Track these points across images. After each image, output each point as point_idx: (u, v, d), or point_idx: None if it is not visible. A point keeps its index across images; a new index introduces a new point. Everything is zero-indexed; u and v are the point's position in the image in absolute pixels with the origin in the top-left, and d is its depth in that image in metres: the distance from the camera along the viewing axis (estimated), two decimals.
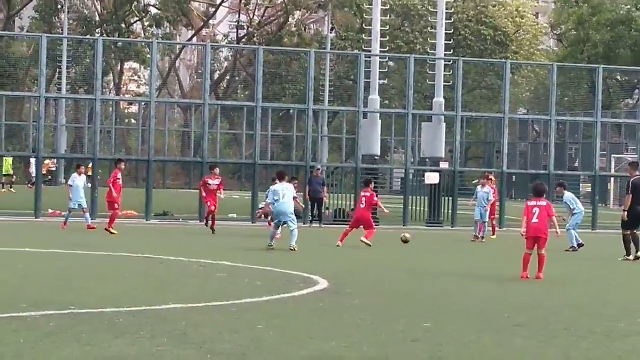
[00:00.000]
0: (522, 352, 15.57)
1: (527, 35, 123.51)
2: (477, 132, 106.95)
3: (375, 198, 39.04)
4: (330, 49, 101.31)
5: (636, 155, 63.75)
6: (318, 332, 16.88)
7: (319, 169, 57.52)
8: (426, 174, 55.73)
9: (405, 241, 39.82)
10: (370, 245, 36.77)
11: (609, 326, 18.77)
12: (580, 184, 70.70)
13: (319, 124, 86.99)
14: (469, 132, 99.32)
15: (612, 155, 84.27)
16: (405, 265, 32.24)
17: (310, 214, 51.99)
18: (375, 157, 58.79)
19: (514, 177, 75.66)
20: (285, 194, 35.36)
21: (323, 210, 51.03)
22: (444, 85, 58.30)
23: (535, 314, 20.32)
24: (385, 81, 67.91)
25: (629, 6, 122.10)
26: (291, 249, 34.24)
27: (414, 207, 55.26)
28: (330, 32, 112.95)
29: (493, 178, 48.42)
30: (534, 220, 26.48)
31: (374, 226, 39.12)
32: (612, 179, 79.03)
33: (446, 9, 60.94)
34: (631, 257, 34.40)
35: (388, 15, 75.04)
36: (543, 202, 26.74)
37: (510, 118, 61.51)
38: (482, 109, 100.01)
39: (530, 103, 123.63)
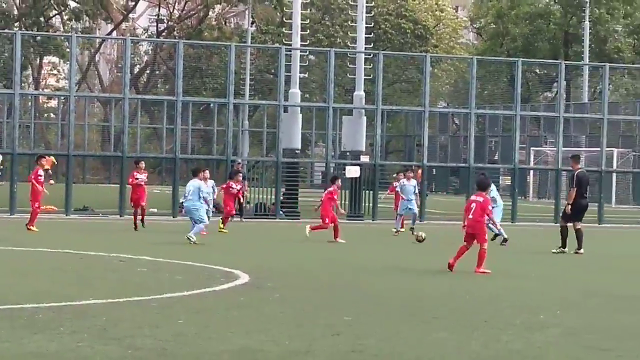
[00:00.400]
0: (443, 345, 15.63)
1: (447, 29, 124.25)
2: (398, 126, 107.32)
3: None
4: (251, 42, 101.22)
5: (555, 148, 64.13)
6: (239, 326, 16.85)
7: (239, 162, 57.62)
8: (347, 167, 55.60)
9: (422, 240, 38.44)
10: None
11: (529, 318, 18.90)
12: (500, 177, 71.16)
13: (239, 118, 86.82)
14: (390, 126, 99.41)
15: (532, 148, 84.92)
16: (326, 259, 32.32)
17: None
18: (296, 151, 58.64)
19: (434, 170, 75.92)
20: (190, 191, 35.67)
21: (244, 205, 50.92)
22: (364, 79, 58.30)
23: (456, 306, 20.43)
24: (306, 75, 67.79)
25: (547, 0, 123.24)
26: (187, 240, 34.10)
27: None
28: (251, 26, 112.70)
29: (419, 172, 48.64)
30: (470, 216, 26.54)
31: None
32: (531, 171, 79.61)
33: (366, 3, 60.96)
34: (566, 249, 34.64)
35: (309, 9, 75.07)
36: (480, 199, 26.66)
37: (430, 111, 61.55)
38: (403, 102, 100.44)
39: (450, 96, 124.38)
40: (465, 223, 26.88)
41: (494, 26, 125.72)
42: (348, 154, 58.29)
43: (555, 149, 64.25)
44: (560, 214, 36.74)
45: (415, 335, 16.44)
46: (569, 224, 35.12)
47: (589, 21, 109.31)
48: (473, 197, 27.19)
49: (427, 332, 16.83)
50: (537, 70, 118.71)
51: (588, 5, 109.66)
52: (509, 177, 65.30)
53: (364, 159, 56.91)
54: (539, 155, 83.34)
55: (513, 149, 61.58)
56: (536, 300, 22.02)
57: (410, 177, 45.21)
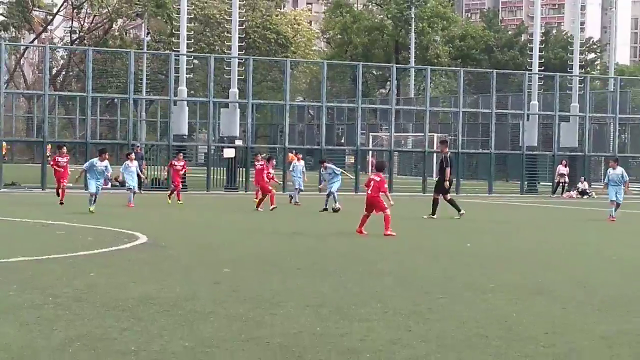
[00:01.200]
0: (302, 289, 15.73)
1: (303, 39, 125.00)
2: (265, 116, 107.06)
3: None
4: (147, 50, 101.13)
5: (388, 134, 64.63)
6: (140, 278, 16.80)
7: (138, 146, 57.61)
8: (224, 149, 55.98)
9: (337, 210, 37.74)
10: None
11: (369, 268, 19.02)
12: (346, 157, 71.67)
13: (138, 110, 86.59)
14: (258, 116, 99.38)
15: (370, 134, 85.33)
16: (210, 223, 32.25)
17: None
18: (184, 137, 58.85)
19: (293, 151, 75.85)
20: (86, 165, 36.02)
21: (143, 180, 50.52)
22: (237, 78, 58.30)
23: (313, 259, 20.49)
24: (192, 76, 67.41)
25: (381, 16, 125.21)
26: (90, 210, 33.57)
27: (215, 176, 55.24)
28: (147, 36, 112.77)
29: (299, 155, 48.37)
30: (369, 191, 26.58)
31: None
32: (370, 152, 79.96)
33: (239, 17, 60.99)
34: (435, 216, 34.64)
35: (193, 23, 74.87)
36: (377, 178, 26.63)
37: (290, 105, 61.63)
38: (268, 97, 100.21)
39: (306, 92, 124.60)
40: (366, 196, 26.96)
41: (340, 37, 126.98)
42: (225, 138, 58.20)
43: (388, 134, 64.77)
44: (434, 188, 36.32)
45: (280, 282, 16.44)
46: (440, 196, 35.23)
47: (414, 33, 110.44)
48: (372, 176, 27.17)
49: (290, 279, 16.84)
50: (374, 72, 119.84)
51: (413, 20, 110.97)
52: (353, 157, 65.46)
53: (238, 142, 57.02)
54: (376, 139, 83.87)
55: (356, 134, 61.91)
56: (377, 254, 22.15)
57: (300, 158, 45.68)
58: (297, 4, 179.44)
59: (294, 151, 51.77)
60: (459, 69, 75.86)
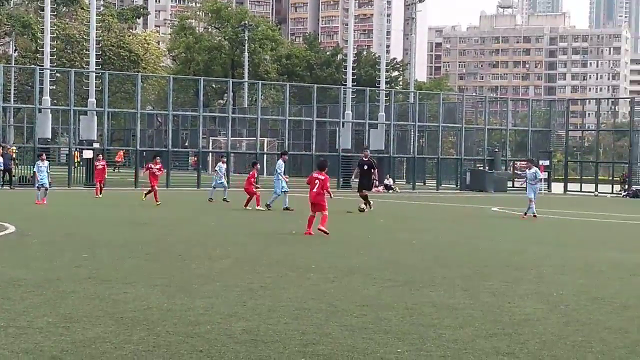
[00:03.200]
0: (151, 271, 15.58)
1: (152, 57, 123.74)
2: (119, 122, 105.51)
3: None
4: (15, 64, 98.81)
5: (226, 138, 64.64)
6: (9, 263, 16.40)
7: (9, 147, 56.49)
8: (84, 151, 55.29)
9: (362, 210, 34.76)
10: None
11: (211, 252, 18.92)
12: (190, 157, 71.68)
13: (7, 116, 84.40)
14: (114, 122, 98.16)
15: (210, 138, 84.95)
16: (72, 215, 31.57)
17: (1, 180, 50.39)
18: (48, 140, 57.71)
19: (144, 153, 74.87)
20: None
21: (13, 177, 49.43)
22: (95, 90, 57.74)
23: (162, 247, 20.26)
24: (55, 87, 66.14)
25: (220, 38, 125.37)
26: None
27: (75, 175, 54.50)
28: (14, 52, 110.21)
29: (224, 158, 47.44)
30: (314, 190, 24.21)
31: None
32: (210, 154, 79.35)
33: (95, 37, 60.54)
34: (372, 208, 35.21)
35: (55, 41, 73.58)
36: (321, 177, 24.31)
37: (141, 112, 61.10)
38: (122, 106, 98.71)
39: (155, 102, 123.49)
40: (309, 195, 24.67)
41: (184, 55, 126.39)
42: (84, 142, 57.27)
43: (226, 138, 64.63)
44: (358, 187, 37.40)
45: (133, 266, 16.28)
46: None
47: (248, 52, 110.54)
48: (315, 175, 24.63)
49: (141, 264, 16.72)
50: (214, 85, 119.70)
51: (247, 42, 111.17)
52: (195, 157, 65.48)
53: (96, 145, 56.36)
54: (215, 143, 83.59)
55: (198, 138, 61.77)
56: (218, 241, 22.08)
57: (224, 161, 44.67)
58: (147, 26, 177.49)
59: (223, 157, 49.67)
60: (285, 83, 76.22)
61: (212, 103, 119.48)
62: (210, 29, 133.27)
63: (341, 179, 60.69)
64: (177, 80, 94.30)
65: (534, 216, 33.18)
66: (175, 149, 65.12)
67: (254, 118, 67.69)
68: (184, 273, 15.58)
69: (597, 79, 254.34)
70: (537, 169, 36.26)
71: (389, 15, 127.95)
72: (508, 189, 65.94)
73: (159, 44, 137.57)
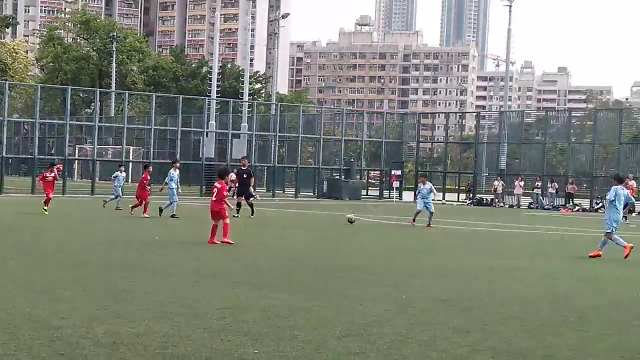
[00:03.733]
0: (14, 275, 15.14)
1: (21, 65, 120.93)
2: None
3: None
4: None
5: (92, 146, 63.54)
6: None
7: None
8: None
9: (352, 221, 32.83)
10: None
11: (74, 259, 18.53)
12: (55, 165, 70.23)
13: None
14: None
15: (77, 145, 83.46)
16: None
17: None
18: None
19: (10, 160, 72.86)
20: None
21: None
22: None
23: (28, 251, 19.75)
24: None
25: (88, 48, 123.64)
26: None
27: None
28: None
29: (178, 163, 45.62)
30: (213, 198, 23.11)
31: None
32: (76, 162, 77.90)
33: None
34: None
35: None
36: (219, 185, 23.17)
37: (8, 120, 59.34)
38: None
39: (22, 110, 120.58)
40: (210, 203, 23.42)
41: (52, 64, 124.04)
42: None
43: (92, 146, 63.44)
44: (237, 193, 38.20)
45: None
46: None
47: (115, 63, 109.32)
48: (216, 184, 23.47)
49: (6, 268, 16.25)
50: (81, 95, 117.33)
51: (115, 53, 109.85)
52: (61, 164, 64.03)
53: None
54: (81, 150, 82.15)
55: (65, 146, 60.59)
56: (83, 247, 21.67)
57: (178, 167, 41.23)
58: (16, 36, 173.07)
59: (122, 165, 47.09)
60: (151, 94, 75.53)
61: (80, 112, 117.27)
62: (78, 40, 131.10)
63: (204, 187, 60.37)
64: (45, 89, 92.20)
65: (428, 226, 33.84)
66: (41, 156, 63.49)
67: (120, 127, 66.84)
68: (47, 277, 15.24)
69: (446, 94, 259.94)
70: (431, 185, 36.84)
71: (252, 30, 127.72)
72: (362, 196, 66.81)
73: (27, 53, 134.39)
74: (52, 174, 35.95)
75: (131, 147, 73.33)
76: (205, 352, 9.48)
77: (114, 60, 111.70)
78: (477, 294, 15.04)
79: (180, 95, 69.85)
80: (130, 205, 35.10)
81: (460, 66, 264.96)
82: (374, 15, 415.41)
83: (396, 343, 10.32)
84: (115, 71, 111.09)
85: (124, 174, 41.03)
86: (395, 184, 68.12)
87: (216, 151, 65.30)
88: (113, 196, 40.02)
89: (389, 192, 70.09)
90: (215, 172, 25.29)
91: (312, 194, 68.12)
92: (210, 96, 70.09)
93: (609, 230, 22.29)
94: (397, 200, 66.69)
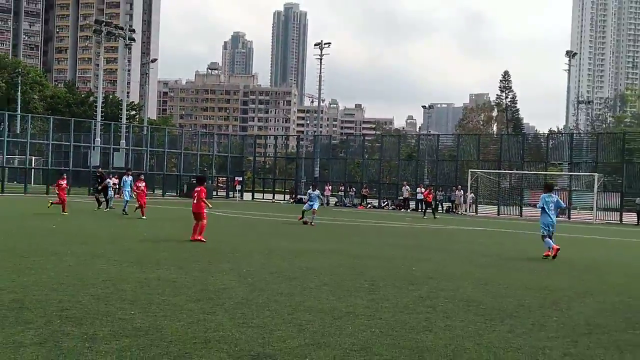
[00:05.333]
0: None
1: None
2: None
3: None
4: None
5: (2, 157, 60.33)
6: None
7: None
8: None
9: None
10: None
11: (56, 250, 17.60)
12: None
13: None
14: None
15: None
16: None
17: None
18: None
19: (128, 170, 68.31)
20: None
21: None
22: None
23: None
24: None
25: None
26: None
27: None
28: None
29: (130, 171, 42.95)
30: (194, 201, 20.80)
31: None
32: None
33: None
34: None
35: None
36: (198, 188, 20.83)
37: None
38: None
39: None
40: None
41: None
42: None
43: (2, 156, 60.23)
44: (94, 191, 37.86)
45: None
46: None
47: (20, 92, 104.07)
48: (196, 188, 20.97)
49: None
50: None
51: (20, 84, 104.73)
52: None
53: None
54: None
55: None
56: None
57: (130, 174, 36.71)
58: None
59: (129, 169, 42.52)
60: (50, 116, 72.47)
61: None
62: None
63: (91, 188, 58.49)
64: None
65: (311, 224, 31.39)
66: None
67: (24, 142, 64.07)
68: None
69: (275, 122, 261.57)
70: (319, 191, 35.12)
71: (129, 70, 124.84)
72: (214, 197, 66.42)
73: None
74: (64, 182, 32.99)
75: (33, 157, 70.12)
76: (93, 314, 9.22)
77: (19, 90, 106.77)
78: (297, 268, 15.13)
79: (73, 118, 67.84)
80: (51, 201, 33.21)
81: (285, 101, 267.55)
82: (221, 61, 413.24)
83: (238, 304, 10.30)
84: (20, 98, 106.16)
85: (130, 177, 36.02)
86: (238, 187, 68.72)
87: (100, 161, 63.55)
88: (125, 200, 34.88)
89: (233, 193, 70.29)
90: (198, 179, 21.63)
91: (175, 194, 67.22)
92: (96, 119, 68.60)
93: (541, 233, 19.72)
94: (239, 199, 66.90)
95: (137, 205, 32.53)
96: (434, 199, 49.27)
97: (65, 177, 34.63)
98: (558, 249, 19.08)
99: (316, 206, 32.94)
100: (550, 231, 19.45)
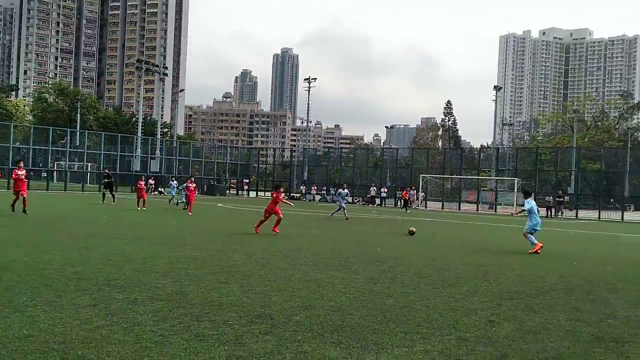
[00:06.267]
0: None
1: (20, 114, 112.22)
2: None
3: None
4: None
5: (64, 162, 59.74)
6: None
7: None
8: None
9: (412, 233, 20.96)
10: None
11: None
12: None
13: None
14: None
15: (56, 162, 77.87)
16: None
17: None
18: None
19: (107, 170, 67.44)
20: None
21: None
22: None
23: None
24: None
25: (62, 105, 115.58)
26: None
27: None
28: None
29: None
30: (271, 203, 19.02)
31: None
32: (55, 171, 72.99)
33: None
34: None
35: None
36: (274, 194, 18.91)
37: (13, 146, 54.86)
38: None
39: (21, 141, 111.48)
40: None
41: (41, 114, 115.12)
42: None
43: (65, 162, 59.62)
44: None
45: None
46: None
47: (80, 114, 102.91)
48: (273, 192, 19.18)
49: None
50: (59, 132, 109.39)
51: (79, 108, 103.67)
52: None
53: None
54: (58, 165, 76.54)
55: (48, 161, 56.49)
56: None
57: (174, 179, 35.64)
58: (17, 95, 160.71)
59: (173, 176, 40.78)
60: (102, 132, 71.82)
61: (58, 142, 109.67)
62: (57, 99, 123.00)
63: (132, 186, 58.12)
64: (37, 129, 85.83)
65: (346, 218, 29.25)
66: (33, 168, 59.18)
67: (82, 151, 63.75)
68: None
69: (274, 137, 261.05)
70: (348, 190, 32.60)
71: (163, 97, 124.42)
72: (227, 193, 66.28)
73: (24, 107, 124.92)
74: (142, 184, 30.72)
75: (89, 164, 69.59)
76: (134, 283, 9.12)
77: (79, 112, 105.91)
78: (296, 248, 14.99)
79: (119, 134, 67.43)
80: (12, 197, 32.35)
81: (281, 122, 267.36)
82: (233, 91, 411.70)
83: (248, 276, 10.24)
84: (79, 119, 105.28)
85: (175, 182, 35.09)
86: (245, 187, 68.82)
87: (141, 166, 63.33)
88: (178, 197, 34.03)
89: (242, 192, 70.08)
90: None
91: (198, 192, 66.79)
92: (137, 135, 68.21)
93: (528, 231, 16.77)
94: (246, 196, 66.63)
95: (185, 202, 30.19)
96: (410, 198, 48.67)
97: (143, 178, 33.17)
98: (542, 246, 16.47)
99: (343, 204, 30.43)
100: (537, 230, 16.85)
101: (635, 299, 9.70)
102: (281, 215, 19.18)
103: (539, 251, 16.18)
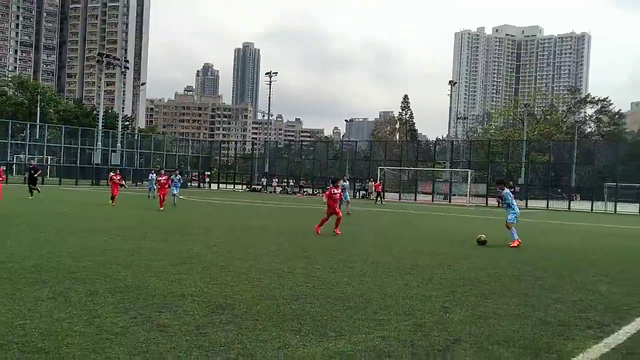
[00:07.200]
0: None
1: None
2: None
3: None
4: None
5: (24, 156, 58.07)
6: None
7: None
8: None
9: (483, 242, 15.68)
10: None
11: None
12: None
13: None
14: None
15: (15, 155, 75.56)
16: None
17: None
18: None
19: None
20: None
21: None
22: None
23: None
24: None
25: (22, 98, 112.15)
26: None
27: None
28: None
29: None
30: (327, 198, 17.26)
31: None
32: (14, 165, 70.88)
33: None
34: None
35: None
36: (334, 190, 17.23)
37: None
38: None
39: None
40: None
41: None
42: None
43: (24, 155, 58.03)
44: None
45: None
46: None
47: (40, 107, 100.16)
48: (331, 187, 17.55)
49: None
50: (19, 125, 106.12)
51: (39, 101, 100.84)
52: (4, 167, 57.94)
53: None
54: (18, 158, 74.39)
55: (7, 155, 54.87)
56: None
57: (178, 173, 32.51)
58: None
59: (177, 169, 38.83)
60: (62, 126, 70.05)
61: (17, 135, 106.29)
62: (17, 93, 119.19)
63: (93, 180, 57.10)
64: None
65: (348, 214, 26.40)
66: None
67: (42, 145, 62.15)
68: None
69: (235, 131, 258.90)
70: (347, 183, 31.03)
71: (124, 90, 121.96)
72: (188, 186, 65.37)
73: None
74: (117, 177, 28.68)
75: (49, 157, 67.82)
76: (94, 275, 8.92)
77: (38, 105, 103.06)
78: (257, 239, 14.96)
79: (80, 127, 66.01)
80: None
81: (243, 116, 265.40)
82: (194, 85, 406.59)
83: (207, 267, 10.15)
84: (39, 112, 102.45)
85: (179, 176, 32.09)
86: (207, 179, 68.23)
87: (102, 159, 62.19)
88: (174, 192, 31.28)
89: (203, 184, 69.45)
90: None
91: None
92: (98, 128, 66.84)
93: (512, 223, 15.79)
94: (208, 188, 66.02)
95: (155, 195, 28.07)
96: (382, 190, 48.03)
97: (118, 172, 30.91)
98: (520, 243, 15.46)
99: (347, 197, 27.87)
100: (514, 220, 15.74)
101: (581, 285, 9.99)
102: (340, 214, 17.33)
103: (516, 246, 15.06)
